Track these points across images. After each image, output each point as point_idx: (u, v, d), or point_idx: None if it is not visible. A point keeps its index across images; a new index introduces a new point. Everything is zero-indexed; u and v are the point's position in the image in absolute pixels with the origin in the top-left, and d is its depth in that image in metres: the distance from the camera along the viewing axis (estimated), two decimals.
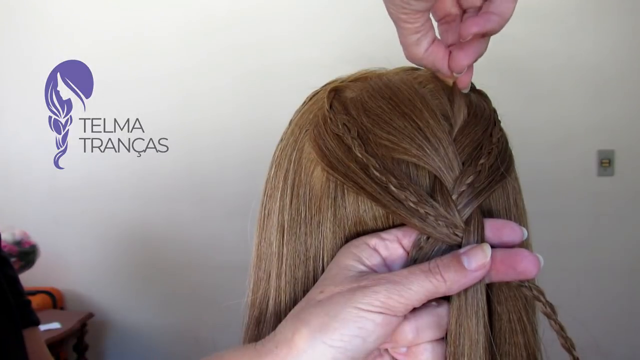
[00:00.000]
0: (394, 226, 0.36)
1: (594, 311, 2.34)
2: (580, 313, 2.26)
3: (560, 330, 0.34)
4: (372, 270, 0.34)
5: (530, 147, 2.31)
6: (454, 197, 0.34)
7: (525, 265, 0.32)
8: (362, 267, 0.34)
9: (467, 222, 0.34)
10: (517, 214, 0.39)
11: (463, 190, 0.34)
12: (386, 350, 0.35)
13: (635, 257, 2.41)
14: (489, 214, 0.37)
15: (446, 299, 0.34)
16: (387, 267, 0.35)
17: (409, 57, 0.36)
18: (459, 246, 0.34)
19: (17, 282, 0.68)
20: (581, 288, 2.35)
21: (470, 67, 0.37)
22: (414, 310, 0.32)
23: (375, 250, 0.35)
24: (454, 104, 0.38)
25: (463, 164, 0.35)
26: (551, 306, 0.34)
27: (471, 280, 0.32)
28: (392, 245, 0.35)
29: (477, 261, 0.32)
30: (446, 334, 0.33)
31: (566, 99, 2.41)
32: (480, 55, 0.37)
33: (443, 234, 0.34)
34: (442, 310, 0.34)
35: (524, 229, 0.35)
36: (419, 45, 0.35)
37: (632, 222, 2.41)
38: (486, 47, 0.37)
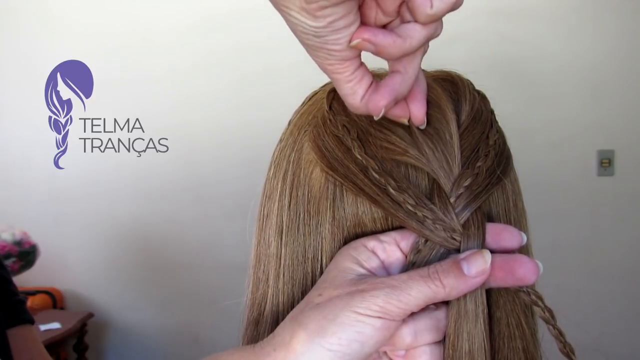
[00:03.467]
0: (393, 228, 0.36)
1: (594, 311, 2.33)
2: (580, 313, 2.27)
3: (559, 335, 0.33)
4: (371, 273, 0.34)
5: (530, 147, 2.31)
6: (451, 199, 0.34)
7: (524, 272, 0.32)
8: (361, 270, 0.34)
9: (465, 225, 0.34)
10: (516, 215, 0.39)
11: (461, 193, 0.34)
12: (385, 352, 0.35)
13: (635, 257, 2.41)
14: (488, 216, 0.37)
15: (444, 302, 0.33)
16: (386, 270, 0.35)
17: (349, 107, 0.33)
18: (457, 250, 0.34)
19: (8, 282, 0.69)
20: (581, 288, 2.35)
21: (418, 101, 0.34)
22: (413, 313, 0.32)
23: (373, 252, 0.35)
24: (457, 103, 0.38)
25: (462, 165, 0.35)
26: (550, 311, 0.34)
27: (470, 286, 0.32)
28: (390, 247, 0.35)
29: (476, 267, 0.32)
30: (444, 338, 0.33)
31: (566, 99, 2.41)
32: (399, 94, 0.33)
33: (441, 237, 0.34)
34: (440, 313, 0.34)
35: (524, 234, 0.35)
36: (355, 94, 0.32)
37: (632, 222, 2.41)
38: (407, 86, 0.33)
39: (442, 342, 0.33)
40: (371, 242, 0.35)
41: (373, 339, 0.31)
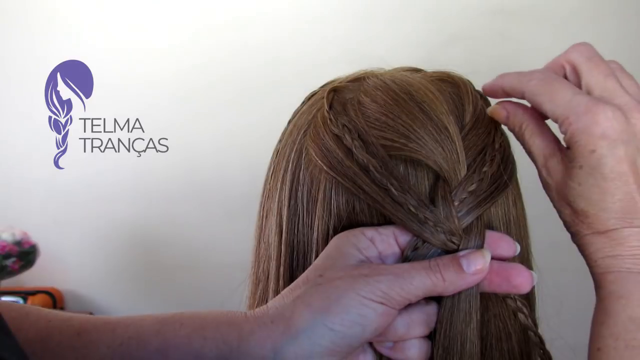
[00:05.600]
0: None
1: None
2: (581, 313, 2.26)
3: (540, 343, 0.35)
4: (370, 262, 0.34)
5: None
6: (455, 203, 0.34)
7: (520, 281, 0.33)
8: (361, 257, 0.34)
9: (465, 230, 0.34)
10: (516, 215, 0.39)
11: (464, 198, 0.34)
12: (369, 344, 0.35)
13: None
14: (486, 217, 0.37)
15: (434, 299, 0.34)
16: (382, 261, 0.35)
17: None
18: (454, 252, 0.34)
19: None
20: (581, 288, 2.34)
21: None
22: (406, 306, 0.33)
23: (371, 242, 0.35)
24: (460, 105, 0.38)
25: (467, 167, 0.35)
26: (532, 318, 0.35)
27: (468, 283, 0.33)
28: (388, 240, 0.35)
29: (476, 265, 0.33)
30: (435, 334, 0.34)
31: None
32: None
33: (440, 240, 0.34)
34: (431, 309, 0.34)
35: (517, 245, 0.36)
36: None
37: None
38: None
39: (429, 337, 0.34)
40: (370, 232, 0.35)
41: (374, 324, 0.31)
